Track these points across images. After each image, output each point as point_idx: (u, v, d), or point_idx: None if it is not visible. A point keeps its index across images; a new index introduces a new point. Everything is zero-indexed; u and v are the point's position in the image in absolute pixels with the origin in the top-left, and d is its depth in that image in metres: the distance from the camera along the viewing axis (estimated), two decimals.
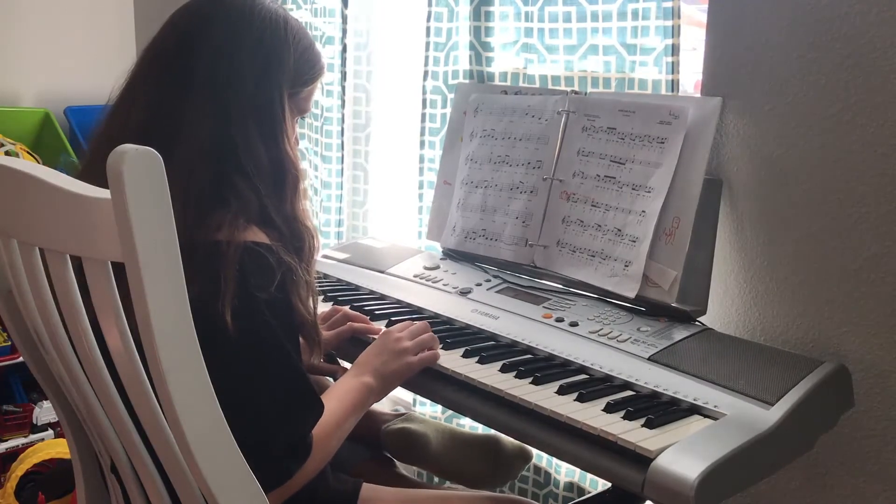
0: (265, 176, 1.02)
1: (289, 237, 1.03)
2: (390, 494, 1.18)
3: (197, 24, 1.04)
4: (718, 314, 1.34)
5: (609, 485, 1.32)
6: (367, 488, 1.15)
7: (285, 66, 1.05)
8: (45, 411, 2.22)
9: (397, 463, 1.44)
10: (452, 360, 1.15)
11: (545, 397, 1.02)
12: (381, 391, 1.13)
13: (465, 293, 1.41)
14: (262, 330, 0.94)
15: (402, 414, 1.43)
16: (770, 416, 0.97)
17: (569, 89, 1.49)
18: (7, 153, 2.13)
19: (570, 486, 1.64)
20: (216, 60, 1.01)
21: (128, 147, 0.67)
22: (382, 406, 1.65)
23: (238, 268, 0.92)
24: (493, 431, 1.55)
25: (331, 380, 1.30)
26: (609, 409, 0.99)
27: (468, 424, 1.74)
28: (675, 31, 1.39)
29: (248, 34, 1.03)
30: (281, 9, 1.08)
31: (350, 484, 1.14)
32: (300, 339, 1.05)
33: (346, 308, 1.32)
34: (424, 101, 1.78)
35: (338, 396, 1.08)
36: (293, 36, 1.06)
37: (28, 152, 2.24)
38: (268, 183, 1.02)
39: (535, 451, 1.47)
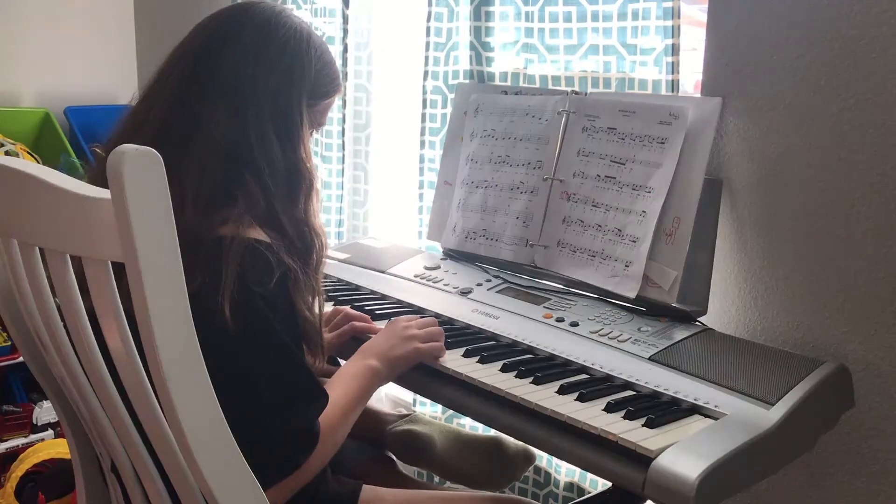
0: (279, 178, 1.03)
1: (297, 240, 1.04)
2: (391, 496, 1.17)
3: (224, 29, 1.07)
4: (718, 314, 1.34)
5: (609, 484, 1.32)
6: (368, 490, 1.15)
7: (306, 76, 1.08)
8: (45, 411, 2.22)
9: (398, 462, 1.44)
10: (453, 360, 1.15)
11: (546, 397, 1.02)
12: (387, 375, 1.14)
13: (465, 293, 1.41)
14: (259, 324, 0.94)
15: (406, 415, 1.43)
16: (770, 415, 0.97)
17: (569, 89, 1.49)
18: (7, 153, 2.13)
19: (570, 486, 1.64)
20: (240, 63, 1.04)
21: (128, 147, 0.67)
22: (385, 406, 1.65)
23: (238, 263, 0.93)
24: (496, 432, 1.55)
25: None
26: (610, 408, 0.99)
27: (469, 424, 1.74)
28: (675, 31, 1.39)
29: (273, 41, 1.06)
30: (306, 24, 1.11)
31: (350, 486, 1.14)
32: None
33: (348, 308, 1.32)
34: (425, 101, 1.78)
35: (343, 383, 1.08)
36: (315, 49, 1.10)
37: (28, 152, 2.24)
38: (281, 185, 1.04)
39: (536, 452, 1.47)
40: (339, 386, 1.08)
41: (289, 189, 1.05)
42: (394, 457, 1.42)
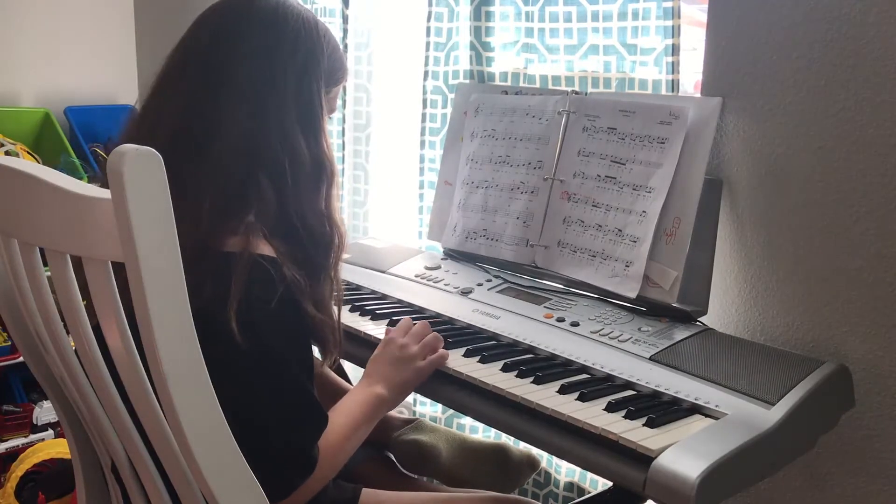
0: (303, 172, 1.02)
1: (315, 236, 1.03)
2: (391, 498, 1.17)
3: (231, 25, 1.04)
4: (719, 314, 1.34)
5: (610, 484, 1.32)
6: (367, 493, 1.14)
7: (321, 64, 1.07)
8: (45, 411, 2.22)
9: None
10: (454, 360, 1.15)
11: (546, 397, 1.02)
12: (394, 401, 1.13)
13: (466, 293, 1.41)
14: (263, 344, 0.93)
15: (412, 420, 1.42)
16: (771, 415, 0.97)
17: (569, 89, 1.49)
18: (7, 153, 2.13)
19: (570, 486, 1.64)
20: (256, 60, 1.02)
21: (128, 147, 0.67)
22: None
23: (246, 281, 0.92)
24: (499, 438, 1.55)
25: (347, 385, 1.29)
26: (610, 408, 0.99)
27: (469, 424, 1.74)
28: (675, 31, 1.39)
29: (284, 34, 1.04)
30: (308, 10, 1.09)
31: (349, 491, 1.13)
32: (315, 344, 1.05)
33: None
34: (425, 101, 1.78)
35: (348, 409, 1.07)
36: (325, 36, 1.09)
37: (28, 152, 2.24)
38: (304, 179, 1.02)
39: (535, 452, 1.46)
40: (345, 411, 1.07)
41: (312, 181, 1.03)
42: (400, 466, 1.41)
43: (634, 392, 1.06)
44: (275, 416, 0.95)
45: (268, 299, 0.93)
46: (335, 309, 1.08)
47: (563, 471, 1.64)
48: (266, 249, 0.96)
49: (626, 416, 0.96)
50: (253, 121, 1.00)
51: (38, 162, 2.20)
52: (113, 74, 2.60)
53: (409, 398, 1.87)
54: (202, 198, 0.94)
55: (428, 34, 1.74)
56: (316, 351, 1.09)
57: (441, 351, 1.15)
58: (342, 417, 1.05)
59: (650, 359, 1.13)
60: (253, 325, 0.92)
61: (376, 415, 1.10)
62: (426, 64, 1.76)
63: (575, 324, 1.24)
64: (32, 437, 2.20)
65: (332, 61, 1.09)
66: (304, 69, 1.04)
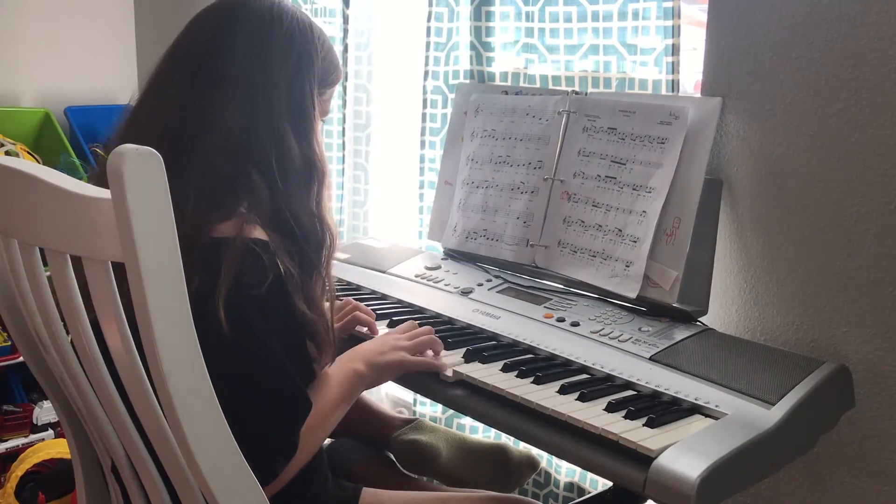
0: (293, 171, 1.02)
1: (307, 235, 1.03)
2: (391, 498, 1.17)
3: (225, 26, 1.04)
4: (719, 314, 1.34)
5: (610, 484, 1.32)
6: (368, 493, 1.14)
7: (314, 66, 1.07)
8: (45, 411, 2.22)
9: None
10: (453, 360, 1.15)
11: (546, 397, 1.02)
12: (372, 381, 1.13)
13: (466, 293, 1.41)
14: (248, 329, 0.93)
15: (410, 420, 1.42)
16: (771, 415, 0.97)
17: (569, 89, 1.49)
18: (7, 153, 2.13)
19: (570, 486, 1.64)
20: (249, 60, 1.02)
21: (128, 147, 0.67)
22: (385, 406, 1.65)
23: (237, 265, 0.92)
24: (499, 438, 1.55)
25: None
26: (610, 408, 0.99)
27: (469, 424, 1.74)
28: (675, 31, 1.39)
29: (278, 34, 1.04)
30: (302, 11, 1.09)
31: (349, 490, 1.13)
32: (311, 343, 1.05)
33: (355, 302, 1.33)
34: (425, 101, 1.78)
35: (327, 388, 1.07)
36: (318, 37, 1.08)
37: (28, 152, 2.24)
38: (295, 178, 1.02)
39: (535, 452, 1.47)
40: (324, 390, 1.06)
41: (303, 181, 1.03)
42: (400, 466, 1.41)
43: (634, 392, 1.06)
44: (261, 404, 0.94)
45: (257, 285, 0.93)
46: (327, 307, 1.08)
47: (563, 471, 1.64)
48: (259, 234, 0.96)
49: (626, 417, 0.96)
50: (243, 119, 0.99)
51: (38, 162, 2.20)
52: (113, 74, 2.60)
53: (409, 398, 1.88)
54: (187, 191, 0.93)
55: (428, 34, 1.74)
56: None
57: (434, 360, 1.15)
58: (322, 398, 1.05)
59: (650, 359, 1.13)
60: (241, 311, 0.91)
61: (354, 393, 1.10)
62: (426, 64, 1.76)
63: (575, 324, 1.25)
64: (32, 437, 2.20)
65: (325, 63, 1.09)
66: (296, 70, 1.04)
